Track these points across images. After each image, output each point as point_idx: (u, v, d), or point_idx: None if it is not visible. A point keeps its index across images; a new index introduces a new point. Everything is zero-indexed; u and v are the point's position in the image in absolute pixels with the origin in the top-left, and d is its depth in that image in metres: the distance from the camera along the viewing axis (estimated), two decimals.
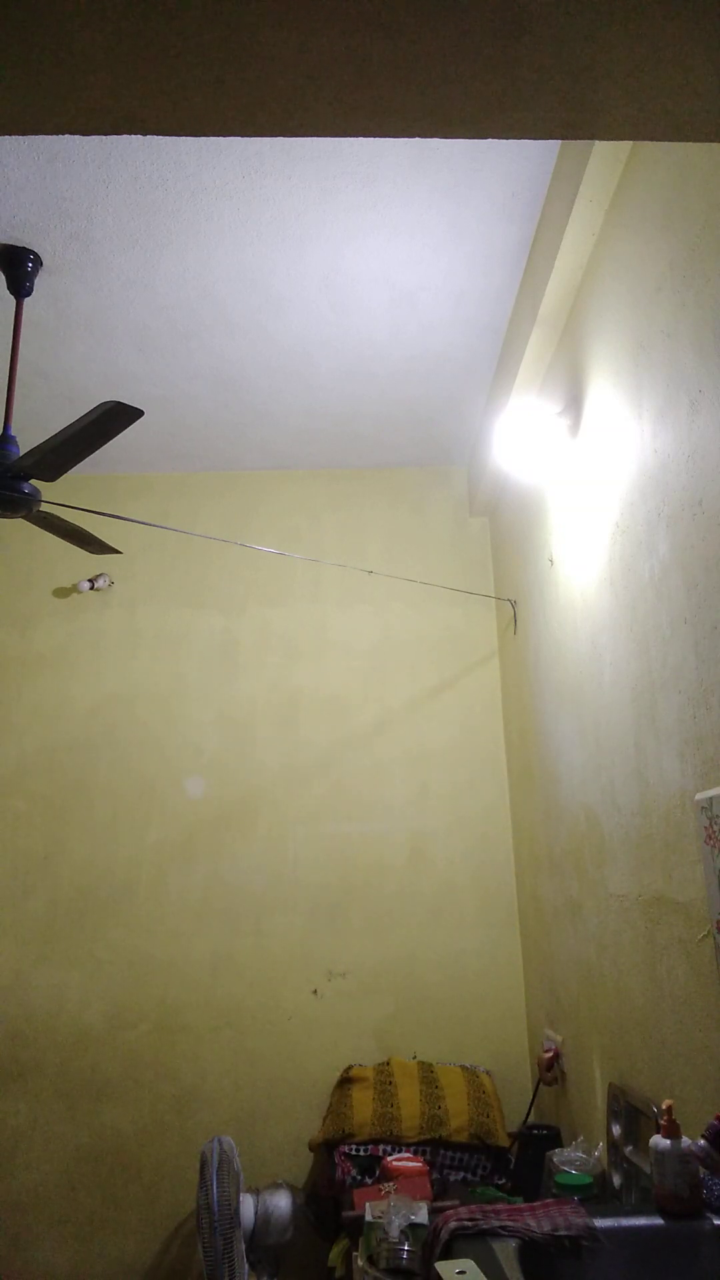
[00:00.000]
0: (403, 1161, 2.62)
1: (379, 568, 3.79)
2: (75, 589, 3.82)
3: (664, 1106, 1.52)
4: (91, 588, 3.79)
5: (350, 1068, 3.17)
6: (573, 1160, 2.18)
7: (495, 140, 2.06)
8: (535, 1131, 2.69)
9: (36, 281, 2.73)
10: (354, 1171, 2.79)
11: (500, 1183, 2.78)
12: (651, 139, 1.22)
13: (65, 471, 2.47)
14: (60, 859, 3.54)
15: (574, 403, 2.50)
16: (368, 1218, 1.99)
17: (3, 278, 2.69)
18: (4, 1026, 3.36)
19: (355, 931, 3.47)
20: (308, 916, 3.48)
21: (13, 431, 2.61)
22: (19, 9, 0.95)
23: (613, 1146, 2.14)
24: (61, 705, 3.71)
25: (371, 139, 1.54)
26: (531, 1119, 2.98)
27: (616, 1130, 2.13)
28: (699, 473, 1.64)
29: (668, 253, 1.79)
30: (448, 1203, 2.26)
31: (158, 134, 1.13)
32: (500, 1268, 1.32)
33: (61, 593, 3.84)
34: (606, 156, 2.06)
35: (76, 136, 1.37)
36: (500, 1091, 3.18)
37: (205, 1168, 2.79)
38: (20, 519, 2.62)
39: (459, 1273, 1.29)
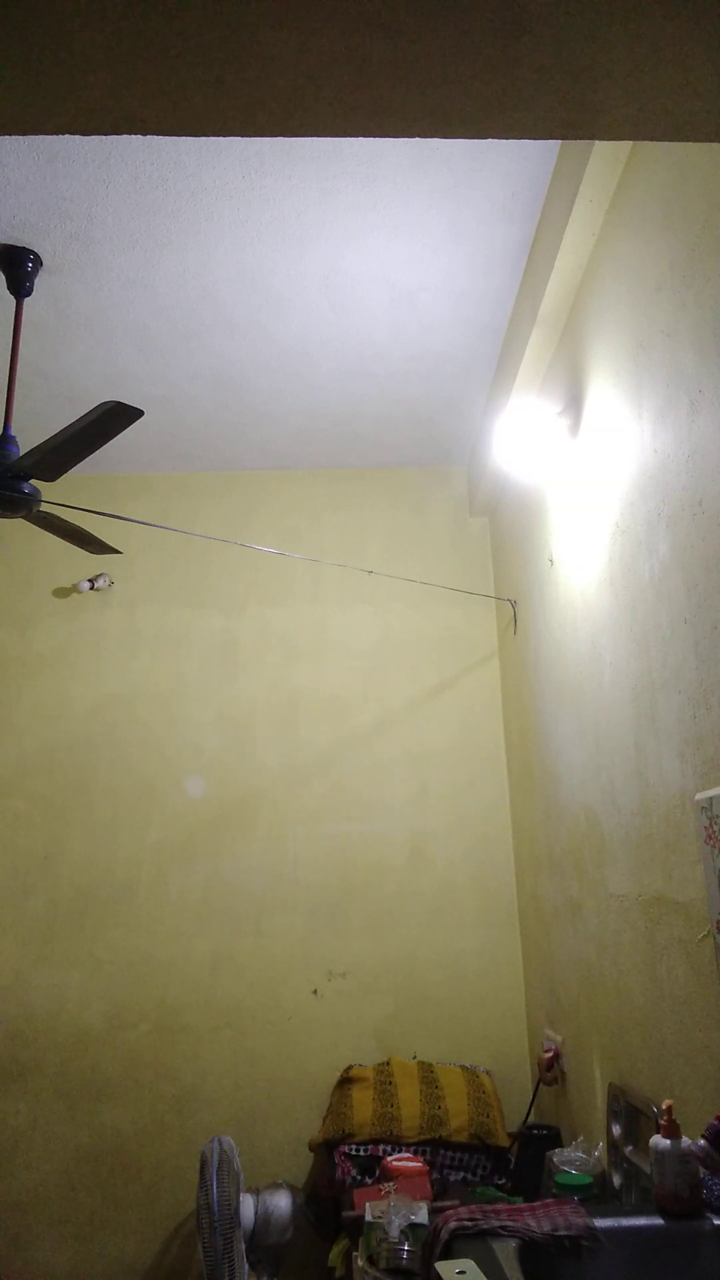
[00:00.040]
0: (403, 1161, 2.62)
1: (379, 568, 3.79)
2: (75, 589, 3.82)
3: (664, 1106, 1.52)
4: (91, 588, 3.79)
5: (350, 1068, 3.17)
6: (573, 1160, 2.18)
7: (495, 140, 2.06)
8: (535, 1131, 2.69)
9: (36, 281, 2.73)
10: (354, 1171, 2.79)
11: (500, 1183, 2.78)
12: (651, 139, 1.22)
13: (65, 471, 2.47)
14: (60, 859, 3.54)
15: (574, 403, 2.50)
16: (368, 1218, 1.99)
17: (3, 278, 2.69)
18: (4, 1026, 3.36)
19: (355, 931, 3.47)
20: (308, 916, 3.48)
21: (13, 431, 2.61)
22: (19, 9, 0.95)
23: (613, 1146, 2.14)
24: (61, 705, 3.71)
25: (371, 139, 1.54)
26: (531, 1119, 2.98)
27: (616, 1130, 2.13)
28: (699, 473, 1.64)
29: (668, 253, 1.79)
30: (448, 1203, 2.26)
31: (158, 134, 1.13)
32: (500, 1268, 1.32)
33: (61, 593, 3.84)
34: (606, 156, 2.06)
35: (76, 136, 1.37)
36: (500, 1091, 3.18)
37: (205, 1168, 2.79)
38: (20, 519, 2.62)
39: (459, 1273, 1.29)
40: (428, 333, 3.07)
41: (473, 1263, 1.32)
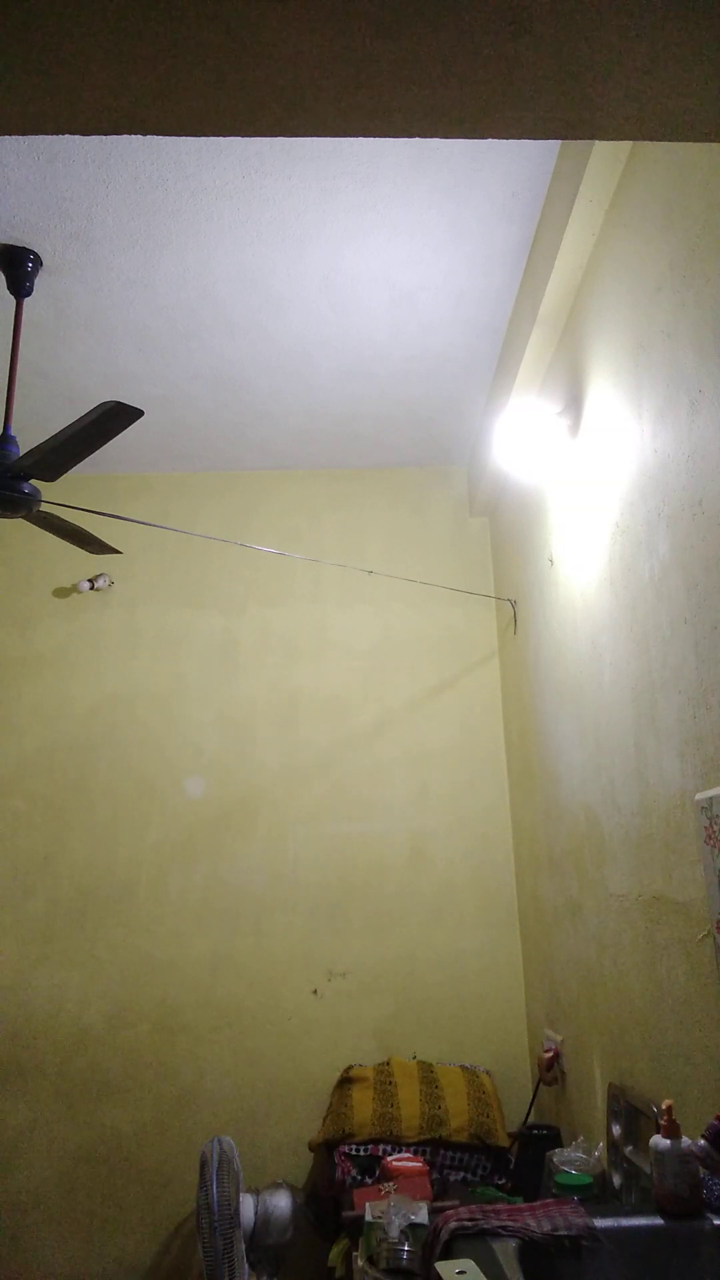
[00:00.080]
0: (403, 1161, 2.62)
1: (379, 568, 3.79)
2: (75, 589, 3.82)
3: (664, 1106, 1.52)
4: (91, 588, 3.79)
5: (350, 1068, 3.17)
6: (573, 1160, 2.18)
7: (495, 140, 2.05)
8: (535, 1131, 2.69)
9: (36, 281, 2.73)
10: (354, 1171, 2.79)
11: (500, 1183, 2.78)
12: (651, 139, 1.22)
13: (65, 471, 2.47)
14: (60, 859, 3.54)
15: (574, 403, 2.50)
16: (368, 1218, 1.99)
17: (3, 278, 2.69)
18: (4, 1026, 3.36)
19: (355, 931, 3.47)
20: (308, 916, 3.48)
21: (13, 431, 2.61)
22: (19, 9, 0.95)
23: (613, 1146, 2.14)
24: (61, 705, 3.71)
25: (371, 139, 1.54)
26: (531, 1119, 2.98)
27: (616, 1130, 2.13)
28: (699, 473, 1.64)
29: (668, 253, 1.79)
30: (448, 1203, 2.26)
31: (158, 134, 1.13)
32: (500, 1268, 1.32)
33: (61, 593, 3.84)
34: (606, 156, 2.06)
35: (76, 136, 1.37)
36: (500, 1091, 3.18)
37: (205, 1168, 2.79)
38: (20, 519, 2.62)
39: (459, 1273, 1.29)
40: (428, 333, 3.07)
41: (473, 1263, 1.32)
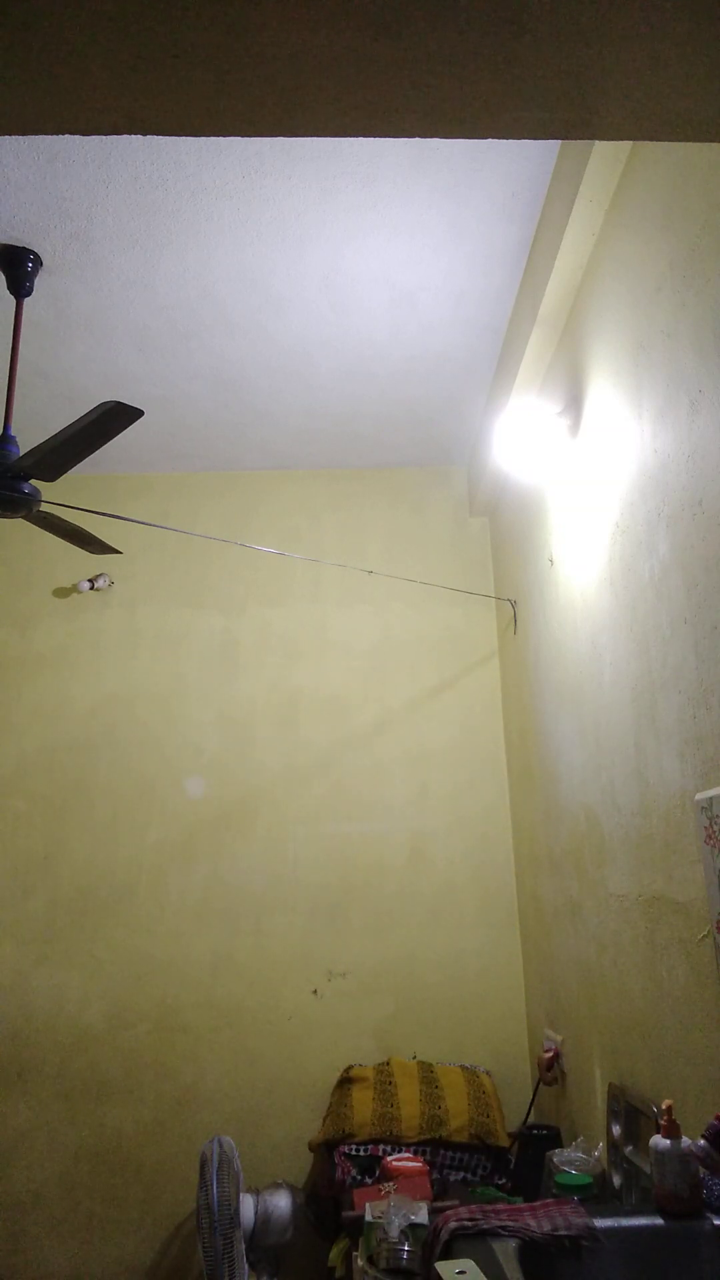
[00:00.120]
0: (403, 1161, 2.62)
1: (379, 568, 3.79)
2: (75, 589, 3.82)
3: (664, 1106, 1.52)
4: (91, 588, 3.79)
5: (350, 1068, 3.17)
6: (573, 1160, 2.18)
7: (495, 140, 2.05)
8: (535, 1131, 2.69)
9: (36, 281, 2.73)
10: (354, 1171, 2.79)
11: (500, 1183, 2.78)
12: (651, 139, 1.22)
13: (65, 471, 2.47)
14: (60, 859, 3.54)
15: (574, 403, 2.50)
16: (368, 1218, 1.99)
17: (3, 278, 2.69)
18: (4, 1026, 3.36)
19: (355, 931, 3.47)
20: (308, 916, 3.48)
21: (13, 431, 2.61)
22: (19, 9, 0.95)
23: (613, 1146, 2.14)
24: (61, 705, 3.71)
25: (371, 139, 1.54)
26: (531, 1119, 2.98)
27: (616, 1130, 2.13)
28: (699, 473, 1.64)
29: (668, 253, 1.79)
30: (448, 1203, 2.26)
31: (158, 134, 1.13)
32: (500, 1268, 1.32)
33: (61, 593, 3.85)
34: (606, 156, 2.06)
35: (76, 136, 1.37)
36: (500, 1091, 3.18)
37: (205, 1168, 2.79)
38: (20, 519, 2.62)
39: (459, 1273, 1.29)
40: (428, 333, 3.07)
41: (473, 1263, 1.32)
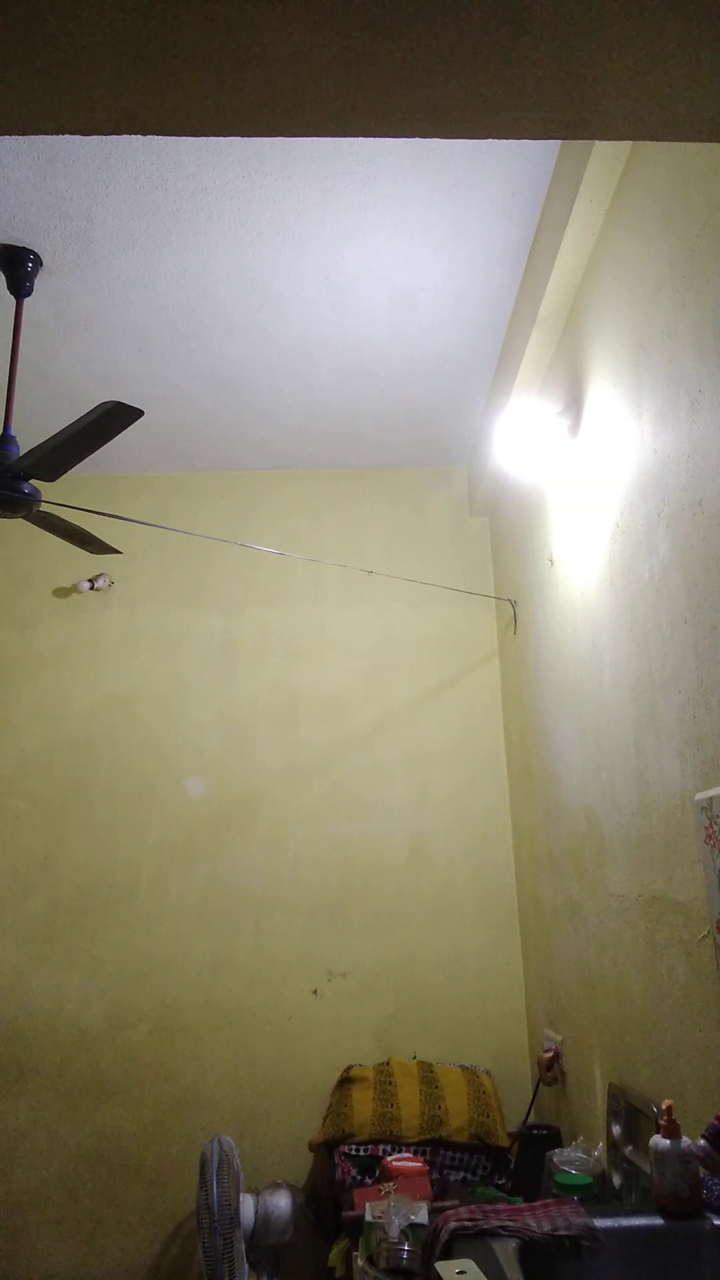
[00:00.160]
0: (403, 1161, 2.62)
1: (379, 568, 3.79)
2: (75, 589, 3.82)
3: (664, 1106, 1.52)
4: (91, 588, 3.79)
5: (350, 1068, 3.17)
6: (573, 1160, 2.18)
7: (495, 140, 2.05)
8: (535, 1131, 2.69)
9: (36, 281, 2.73)
10: (354, 1171, 2.79)
11: (500, 1183, 2.78)
12: (651, 139, 1.22)
13: (65, 471, 2.47)
14: (60, 859, 3.54)
15: (574, 403, 2.50)
16: (368, 1218, 1.99)
17: (3, 278, 2.69)
18: (4, 1026, 3.36)
19: (355, 931, 3.47)
20: (308, 916, 3.48)
21: (13, 431, 2.61)
22: (19, 9, 0.95)
23: (613, 1146, 2.14)
24: (61, 705, 3.71)
25: (371, 139, 1.54)
26: (531, 1119, 2.98)
27: (616, 1130, 2.13)
28: (699, 473, 1.64)
29: (668, 253, 1.79)
30: (448, 1203, 2.26)
31: (158, 134, 1.13)
32: (500, 1268, 1.32)
33: (61, 593, 3.85)
34: (606, 156, 2.06)
35: (76, 136, 1.37)
36: (500, 1091, 3.18)
37: (205, 1168, 2.79)
38: (20, 519, 2.62)
39: (459, 1273, 1.29)
40: (428, 333, 3.07)
41: (473, 1263, 1.32)
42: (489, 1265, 1.32)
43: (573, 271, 2.42)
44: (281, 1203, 2.88)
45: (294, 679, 3.75)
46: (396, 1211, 1.92)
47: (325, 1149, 2.92)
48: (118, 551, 3.15)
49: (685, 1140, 1.48)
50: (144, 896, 3.50)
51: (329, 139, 2.20)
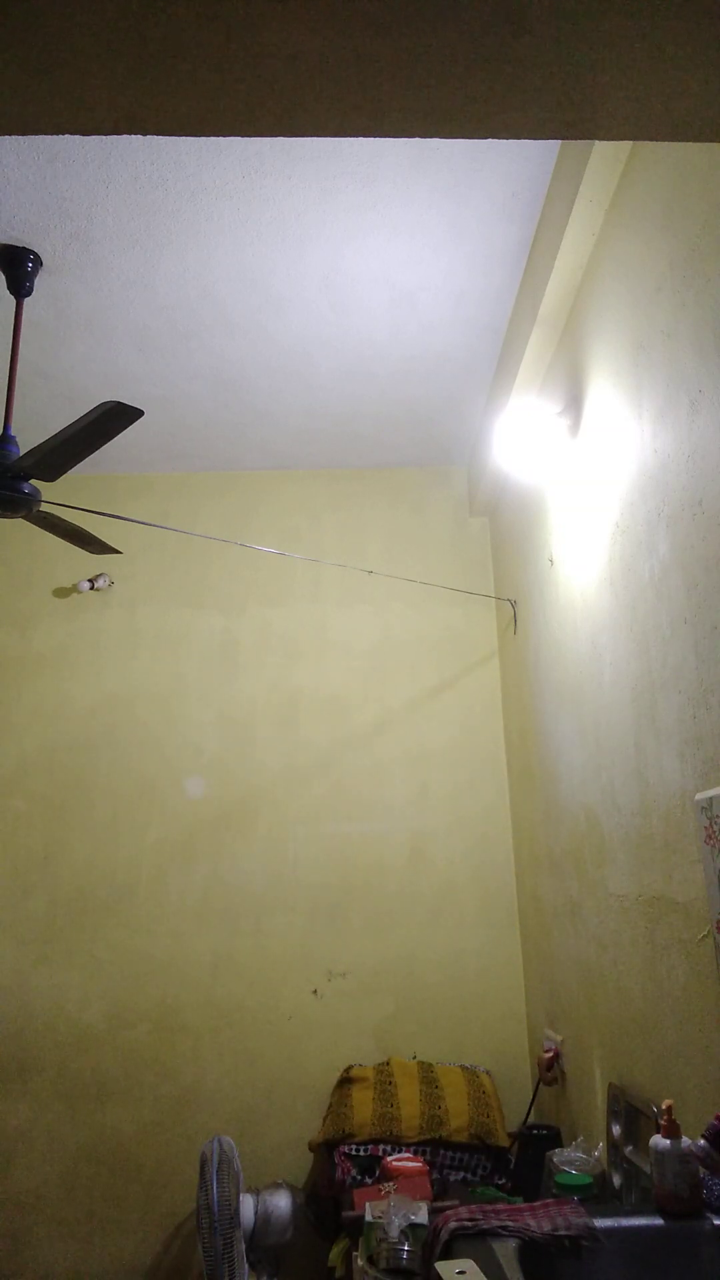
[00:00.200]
0: (403, 1161, 2.62)
1: (379, 568, 3.79)
2: (75, 589, 3.82)
3: (664, 1106, 1.52)
4: (91, 588, 3.79)
5: (350, 1068, 3.17)
6: (573, 1160, 2.18)
7: (495, 140, 2.05)
8: (535, 1131, 2.69)
9: (36, 281, 2.73)
10: (354, 1171, 2.79)
11: (500, 1183, 2.78)
12: (651, 139, 1.22)
13: (65, 471, 2.47)
14: (60, 859, 3.54)
15: (574, 403, 2.50)
16: (368, 1218, 1.99)
17: (3, 278, 2.69)
18: (4, 1026, 3.36)
19: (355, 931, 3.47)
20: (308, 916, 3.48)
21: (13, 431, 2.61)
22: (19, 9, 0.95)
23: (613, 1146, 2.14)
24: (61, 705, 3.71)
25: (371, 139, 1.54)
26: (531, 1119, 2.98)
27: (616, 1130, 2.13)
28: (699, 473, 1.64)
29: (668, 253, 1.79)
30: (448, 1203, 2.26)
31: (158, 134, 1.13)
32: (500, 1268, 1.32)
33: (61, 593, 3.85)
34: (606, 156, 2.06)
35: (76, 136, 1.37)
36: (500, 1091, 3.18)
37: (205, 1168, 2.79)
38: (20, 519, 2.62)
39: (459, 1273, 1.29)
40: (428, 333, 3.07)
41: (473, 1263, 1.32)
42: (489, 1265, 1.32)
43: (573, 271, 2.42)
44: (281, 1203, 2.88)
45: (294, 679, 3.75)
46: (396, 1211, 1.92)
47: (325, 1149, 2.92)
48: (118, 551, 3.15)
49: (685, 1140, 1.48)
50: (144, 896, 3.50)
51: (329, 139, 2.20)
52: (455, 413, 3.60)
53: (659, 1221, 1.45)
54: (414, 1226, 1.89)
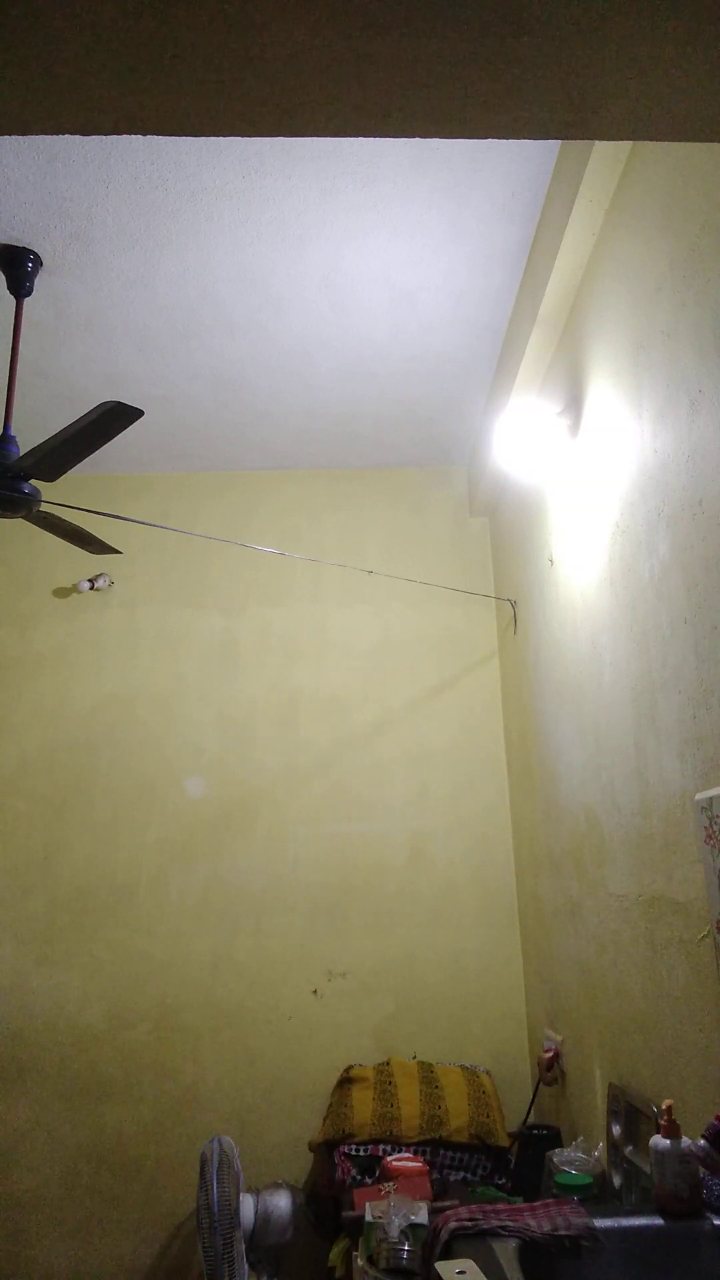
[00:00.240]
0: (403, 1161, 2.62)
1: (379, 568, 3.79)
2: (75, 589, 3.82)
3: (664, 1106, 1.52)
4: (91, 588, 3.79)
5: (350, 1068, 3.17)
6: (573, 1160, 2.18)
7: (495, 140, 2.05)
8: (535, 1131, 2.69)
9: (36, 281, 2.73)
10: (354, 1171, 2.79)
11: (500, 1183, 2.78)
12: (651, 139, 1.22)
13: (65, 471, 2.47)
14: (60, 859, 3.54)
15: (574, 403, 2.50)
16: (368, 1218, 1.99)
17: (3, 278, 2.69)
18: (4, 1026, 3.36)
19: (355, 931, 3.47)
20: (308, 916, 3.48)
21: (13, 431, 2.60)
22: (19, 9, 0.95)
23: (613, 1146, 2.14)
24: (61, 705, 3.71)
25: (371, 139, 1.54)
26: (531, 1119, 2.98)
27: (616, 1130, 2.13)
28: (699, 473, 1.64)
29: (668, 253, 1.79)
30: (448, 1203, 2.26)
31: (158, 134, 1.13)
32: (500, 1268, 1.32)
33: (61, 593, 3.85)
34: (606, 156, 2.06)
35: (76, 136, 1.37)
36: (500, 1091, 3.18)
37: (205, 1168, 2.79)
38: (20, 519, 2.62)
39: (459, 1273, 1.29)
40: (428, 333, 3.07)
41: (473, 1263, 1.32)
42: (489, 1265, 1.32)
43: (573, 271, 2.42)
44: (281, 1203, 2.88)
45: (294, 679, 3.75)
46: (396, 1211, 1.92)
47: (325, 1149, 2.92)
48: (118, 551, 3.16)
49: (685, 1140, 1.48)
50: (144, 896, 3.50)
51: (329, 139, 2.20)
52: (455, 413, 3.60)
53: (659, 1221, 1.45)
54: (414, 1226, 1.89)
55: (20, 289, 2.68)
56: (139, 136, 1.32)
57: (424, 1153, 2.81)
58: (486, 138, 1.14)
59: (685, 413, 1.70)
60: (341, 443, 3.80)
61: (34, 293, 2.76)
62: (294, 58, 1.01)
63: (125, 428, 2.33)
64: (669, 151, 1.80)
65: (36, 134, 1.12)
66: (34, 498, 2.55)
